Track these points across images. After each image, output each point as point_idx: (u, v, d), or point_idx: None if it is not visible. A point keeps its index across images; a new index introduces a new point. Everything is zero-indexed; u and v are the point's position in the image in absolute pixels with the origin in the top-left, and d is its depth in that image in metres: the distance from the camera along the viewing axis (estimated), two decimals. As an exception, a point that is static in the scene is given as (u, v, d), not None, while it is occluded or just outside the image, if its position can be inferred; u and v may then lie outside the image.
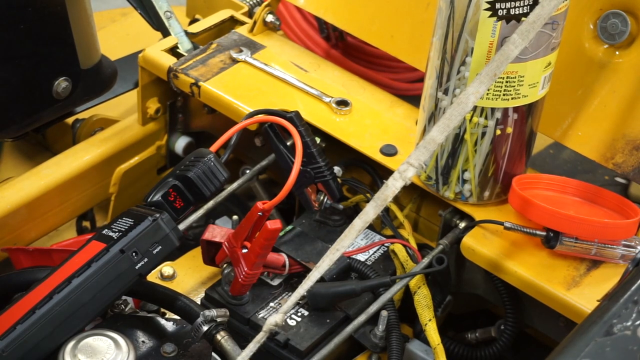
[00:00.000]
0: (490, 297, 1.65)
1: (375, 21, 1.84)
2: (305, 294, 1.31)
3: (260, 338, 1.28)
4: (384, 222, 1.68)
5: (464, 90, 1.35)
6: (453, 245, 1.61)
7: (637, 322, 1.11)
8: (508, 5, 1.43)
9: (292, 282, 1.60)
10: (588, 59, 1.65)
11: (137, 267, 1.41)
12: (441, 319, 1.68)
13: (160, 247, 1.43)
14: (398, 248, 1.63)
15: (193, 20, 2.09)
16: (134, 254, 1.41)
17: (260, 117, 1.65)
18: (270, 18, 1.89)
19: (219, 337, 1.42)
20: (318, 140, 1.69)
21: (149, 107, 1.87)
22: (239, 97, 1.75)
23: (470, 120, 1.52)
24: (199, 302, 1.57)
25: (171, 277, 1.66)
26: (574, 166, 2.20)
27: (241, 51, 1.84)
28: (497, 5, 1.43)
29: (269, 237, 1.47)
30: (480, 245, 1.56)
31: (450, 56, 1.50)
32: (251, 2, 2.01)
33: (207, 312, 1.43)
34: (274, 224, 1.45)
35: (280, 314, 1.27)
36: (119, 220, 1.46)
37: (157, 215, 1.44)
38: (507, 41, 1.37)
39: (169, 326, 1.46)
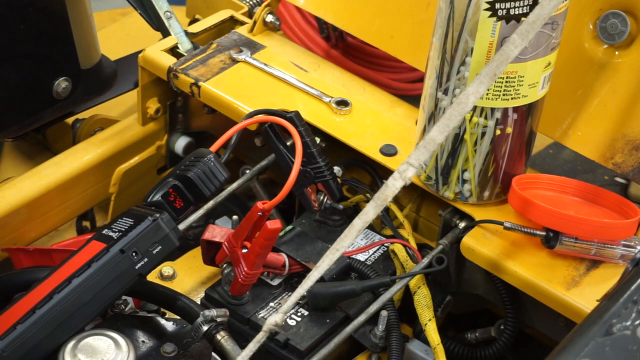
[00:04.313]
0: (490, 297, 1.65)
1: (375, 21, 1.84)
2: (305, 294, 1.31)
3: (260, 338, 1.28)
4: (384, 222, 1.68)
5: (464, 90, 1.35)
6: (453, 245, 1.61)
7: (637, 322, 1.11)
8: (508, 5, 1.43)
9: (292, 282, 1.60)
10: (588, 59, 1.65)
11: (137, 267, 1.41)
12: (441, 319, 1.68)
13: (160, 247, 1.43)
14: (398, 248, 1.63)
15: (193, 20, 2.09)
16: (134, 254, 1.41)
17: (260, 117, 1.65)
18: (270, 18, 1.89)
19: (219, 337, 1.42)
20: (318, 140, 1.69)
21: (149, 107, 1.87)
22: (239, 97, 1.76)
23: (470, 120, 1.52)
24: (199, 302, 1.57)
25: (171, 277, 1.66)
26: (574, 166, 2.20)
27: (241, 51, 1.84)
28: (497, 5, 1.43)
29: (269, 237, 1.47)
30: (480, 245, 1.56)
31: (450, 56, 1.50)
32: (251, 2, 2.01)
33: (207, 312, 1.43)
34: (274, 224, 1.46)
35: (280, 314, 1.27)
36: (119, 220, 1.46)
37: (157, 215, 1.44)
38: (507, 41, 1.37)
39: (169, 326, 1.47)
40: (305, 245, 1.64)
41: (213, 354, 1.46)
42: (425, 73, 1.57)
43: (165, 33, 1.88)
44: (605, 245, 1.54)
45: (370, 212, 1.28)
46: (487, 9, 1.44)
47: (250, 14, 1.98)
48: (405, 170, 1.28)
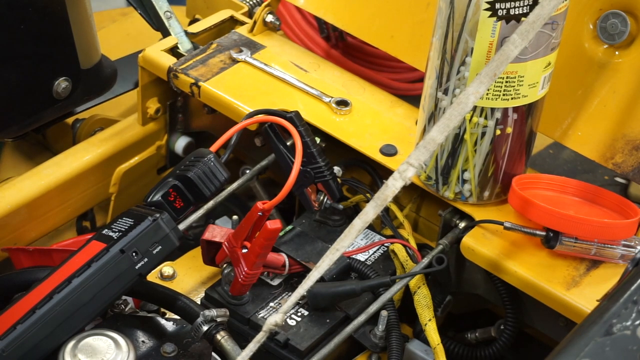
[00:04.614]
0: (490, 297, 1.65)
1: (375, 21, 1.84)
2: (305, 294, 1.31)
3: (260, 338, 1.28)
4: (384, 222, 1.68)
5: (464, 90, 1.35)
6: (453, 245, 1.61)
7: (637, 322, 1.11)
8: (508, 5, 1.43)
9: (292, 282, 1.60)
10: (588, 59, 1.65)
11: (137, 267, 1.41)
12: (441, 319, 1.68)
13: (160, 247, 1.43)
14: (398, 248, 1.63)
15: (193, 20, 2.09)
16: (134, 254, 1.41)
17: (260, 117, 1.65)
18: (270, 18, 1.89)
19: (219, 337, 1.42)
20: (318, 140, 1.69)
21: (149, 107, 1.87)
22: (239, 97, 1.76)
23: (470, 120, 1.52)
24: (199, 302, 1.57)
25: (171, 277, 1.66)
26: (574, 166, 2.20)
27: (241, 51, 1.84)
28: (497, 5, 1.43)
29: (269, 237, 1.47)
30: (480, 245, 1.56)
31: (450, 56, 1.50)
32: (251, 2, 2.01)
33: (207, 312, 1.43)
34: (274, 224, 1.46)
35: (280, 314, 1.27)
36: (119, 220, 1.46)
37: (157, 215, 1.44)
38: (507, 41, 1.37)
39: (169, 326, 1.47)
40: (305, 245, 1.64)
41: (213, 354, 1.46)
42: (425, 73, 1.57)
43: (165, 33, 1.88)
44: (605, 245, 1.54)
45: (370, 212, 1.28)
46: (487, 9, 1.44)
47: (250, 14, 1.98)
48: (405, 170, 1.28)
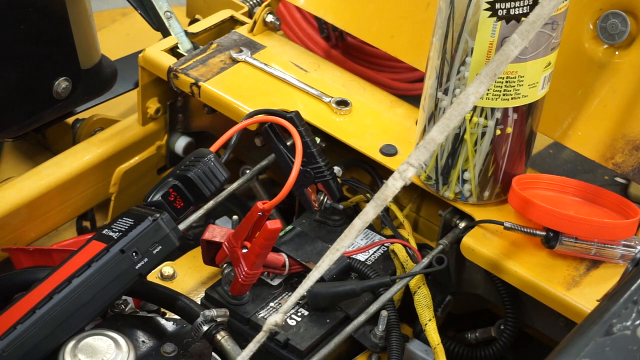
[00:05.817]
0: (490, 297, 1.65)
1: (375, 21, 1.84)
2: (305, 294, 1.31)
3: (260, 338, 1.28)
4: (384, 222, 1.68)
5: (464, 90, 1.35)
6: (453, 245, 1.61)
7: (637, 322, 1.11)
8: (508, 5, 1.43)
9: (292, 282, 1.60)
10: (588, 59, 1.65)
11: (137, 267, 1.41)
12: (441, 319, 1.68)
13: (160, 247, 1.43)
14: (398, 248, 1.63)
15: (193, 20, 2.09)
16: (134, 254, 1.41)
17: (260, 117, 1.66)
18: (270, 18, 1.89)
19: (219, 337, 1.43)
20: (318, 140, 1.69)
21: (149, 107, 1.87)
22: (239, 97, 1.76)
23: (470, 120, 1.52)
24: (199, 302, 1.57)
25: (171, 277, 1.66)
26: (574, 166, 2.20)
27: (241, 51, 1.84)
28: (497, 5, 1.43)
29: (269, 237, 1.47)
30: (480, 245, 1.56)
31: (450, 56, 1.50)
32: (251, 2, 2.01)
33: (207, 312, 1.43)
34: (274, 224, 1.46)
35: (280, 314, 1.27)
36: (119, 220, 1.46)
37: (157, 215, 1.44)
38: (507, 41, 1.37)
39: (169, 326, 1.47)
40: (305, 245, 1.64)
41: (213, 354, 1.46)
42: (425, 73, 1.57)
43: (165, 33, 1.88)
44: (605, 245, 1.54)
45: (370, 212, 1.28)
46: (487, 9, 1.44)
47: (250, 14, 1.98)
48: (405, 170, 1.28)
